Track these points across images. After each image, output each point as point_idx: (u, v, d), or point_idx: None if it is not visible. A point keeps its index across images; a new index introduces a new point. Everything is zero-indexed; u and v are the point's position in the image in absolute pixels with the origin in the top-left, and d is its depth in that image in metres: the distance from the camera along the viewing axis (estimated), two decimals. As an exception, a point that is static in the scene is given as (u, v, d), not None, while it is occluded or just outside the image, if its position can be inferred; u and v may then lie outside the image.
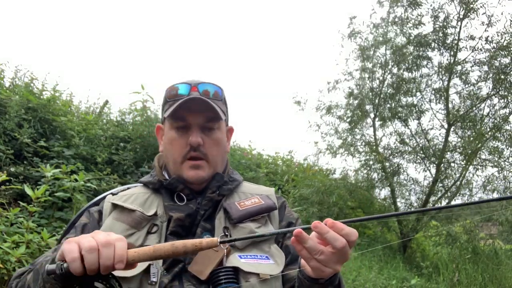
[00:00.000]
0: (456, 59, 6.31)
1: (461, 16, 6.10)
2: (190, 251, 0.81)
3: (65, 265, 0.77)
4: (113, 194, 1.15)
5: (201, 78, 1.17)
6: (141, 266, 0.95)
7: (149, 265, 0.96)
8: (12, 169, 4.09)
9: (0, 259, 2.81)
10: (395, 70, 6.63)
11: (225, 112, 1.18)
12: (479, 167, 6.45)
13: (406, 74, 6.64)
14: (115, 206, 1.09)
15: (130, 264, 0.80)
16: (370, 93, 6.71)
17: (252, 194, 1.14)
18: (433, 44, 6.30)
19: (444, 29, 6.22)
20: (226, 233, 1.03)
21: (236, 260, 0.97)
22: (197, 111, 1.10)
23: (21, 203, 3.44)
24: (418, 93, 6.66)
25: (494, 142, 6.27)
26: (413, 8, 6.23)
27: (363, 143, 6.93)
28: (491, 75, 6.06)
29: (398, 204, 7.03)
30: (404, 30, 6.35)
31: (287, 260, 1.05)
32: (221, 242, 0.82)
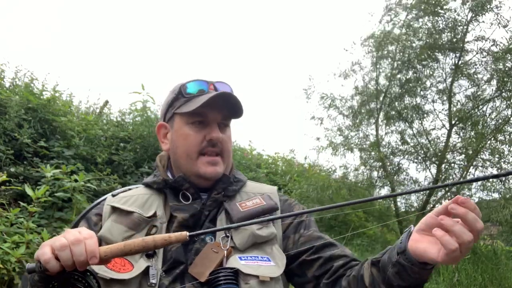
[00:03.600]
0: (462, 60, 6.30)
1: (469, 18, 6.10)
2: (160, 245, 0.83)
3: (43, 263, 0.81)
4: (113, 195, 1.15)
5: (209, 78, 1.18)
6: (139, 268, 0.95)
7: (148, 266, 0.96)
8: (12, 170, 4.09)
9: (0, 260, 2.81)
10: (403, 71, 6.60)
11: None
12: (480, 167, 6.45)
13: (412, 75, 6.63)
14: (114, 209, 1.08)
15: (105, 260, 0.82)
16: (376, 92, 6.69)
17: (254, 194, 1.14)
18: (440, 45, 6.29)
19: (453, 31, 6.22)
20: (227, 234, 1.02)
21: (236, 261, 0.96)
22: (217, 107, 1.10)
23: (21, 203, 3.44)
24: (422, 93, 6.65)
25: (495, 143, 6.26)
26: (431, 17, 6.20)
27: (365, 141, 6.92)
28: (495, 76, 6.06)
29: (398, 204, 7.03)
30: (419, 36, 6.33)
31: (312, 251, 1.05)
32: (190, 236, 0.83)
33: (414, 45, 6.41)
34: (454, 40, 6.22)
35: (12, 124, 4.45)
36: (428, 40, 6.26)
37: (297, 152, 8.87)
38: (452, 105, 6.54)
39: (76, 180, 3.79)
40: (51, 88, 5.40)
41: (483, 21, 5.96)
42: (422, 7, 6.14)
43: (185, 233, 0.83)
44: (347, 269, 1.01)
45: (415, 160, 6.82)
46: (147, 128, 5.36)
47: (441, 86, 6.59)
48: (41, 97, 5.10)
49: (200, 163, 1.10)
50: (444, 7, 6.17)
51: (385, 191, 7.15)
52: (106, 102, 6.29)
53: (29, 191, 3.31)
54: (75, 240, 0.81)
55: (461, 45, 6.20)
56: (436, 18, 6.22)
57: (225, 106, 1.12)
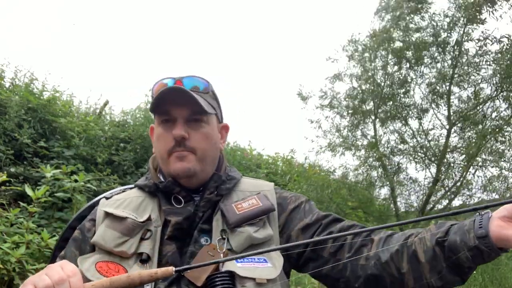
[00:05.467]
0: (459, 61, 6.29)
1: (464, 21, 6.08)
2: (146, 281, 0.83)
3: None
4: (106, 198, 1.14)
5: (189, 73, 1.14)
6: None
7: None
8: (12, 170, 4.10)
9: (0, 260, 2.82)
10: (395, 70, 6.60)
11: (214, 106, 1.14)
12: (480, 167, 6.44)
13: (406, 74, 6.61)
14: (107, 214, 1.07)
15: None
16: (371, 93, 6.69)
17: (250, 192, 1.12)
18: (434, 48, 6.28)
19: (448, 33, 6.21)
20: (224, 236, 1.02)
21: (232, 264, 0.96)
22: (181, 104, 1.07)
23: (21, 203, 3.45)
24: (420, 93, 6.65)
25: (495, 143, 6.26)
26: (416, 14, 6.20)
27: (364, 141, 6.91)
28: (494, 76, 6.05)
29: (398, 204, 7.02)
30: (405, 35, 6.33)
31: (321, 228, 1.05)
32: (176, 271, 0.84)
33: (409, 43, 6.40)
34: (450, 40, 6.22)
35: (12, 124, 4.46)
36: (424, 39, 6.26)
37: (298, 152, 8.85)
38: (451, 105, 6.53)
39: (76, 181, 3.79)
40: (51, 88, 5.41)
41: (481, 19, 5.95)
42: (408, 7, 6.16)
43: (171, 269, 0.84)
44: (366, 236, 1.01)
45: (415, 160, 6.82)
46: (147, 128, 5.36)
47: (439, 86, 6.59)
48: (41, 97, 5.11)
49: (171, 161, 1.08)
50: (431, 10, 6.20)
51: (385, 190, 7.14)
52: (106, 102, 6.30)
53: (29, 191, 3.31)
54: (59, 279, 0.79)
55: (459, 44, 6.20)
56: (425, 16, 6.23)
57: (188, 100, 1.07)
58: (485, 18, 5.80)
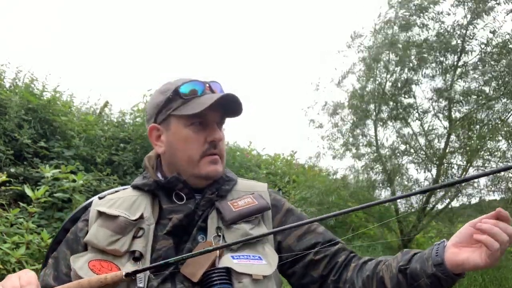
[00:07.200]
0: (460, 62, 6.29)
1: (468, 20, 6.08)
2: (96, 287, 0.85)
3: None
4: (99, 198, 1.14)
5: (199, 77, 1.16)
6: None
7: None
8: (12, 170, 4.10)
9: (0, 260, 2.82)
10: (397, 71, 6.59)
11: None
12: (480, 167, 6.43)
13: (408, 75, 6.61)
14: (100, 213, 1.08)
15: None
16: (373, 93, 6.68)
17: (245, 192, 1.14)
18: (437, 48, 6.28)
19: (452, 33, 6.21)
20: (219, 234, 1.03)
21: (228, 260, 0.96)
22: (217, 108, 1.09)
23: (21, 203, 3.45)
24: (419, 93, 6.65)
25: (495, 143, 6.26)
26: (420, 14, 6.20)
27: (364, 142, 6.90)
28: (495, 77, 6.05)
29: (398, 205, 7.01)
30: (408, 34, 6.33)
31: (327, 271, 1.08)
32: (126, 275, 0.86)
33: (402, 41, 6.40)
34: (451, 39, 6.22)
35: (12, 125, 4.46)
36: (425, 41, 6.26)
37: (299, 152, 8.83)
38: (452, 105, 6.54)
39: (74, 180, 3.79)
40: (51, 89, 5.41)
41: (483, 22, 5.95)
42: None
43: (120, 273, 0.85)
44: (349, 261, 1.08)
45: (415, 161, 6.82)
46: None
47: (439, 86, 6.59)
48: (41, 97, 5.11)
49: (202, 164, 1.09)
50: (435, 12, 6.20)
51: (386, 192, 7.14)
52: (106, 102, 6.30)
53: (29, 191, 3.32)
54: None
55: (461, 45, 6.21)
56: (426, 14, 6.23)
57: (228, 107, 1.11)
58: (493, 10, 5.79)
